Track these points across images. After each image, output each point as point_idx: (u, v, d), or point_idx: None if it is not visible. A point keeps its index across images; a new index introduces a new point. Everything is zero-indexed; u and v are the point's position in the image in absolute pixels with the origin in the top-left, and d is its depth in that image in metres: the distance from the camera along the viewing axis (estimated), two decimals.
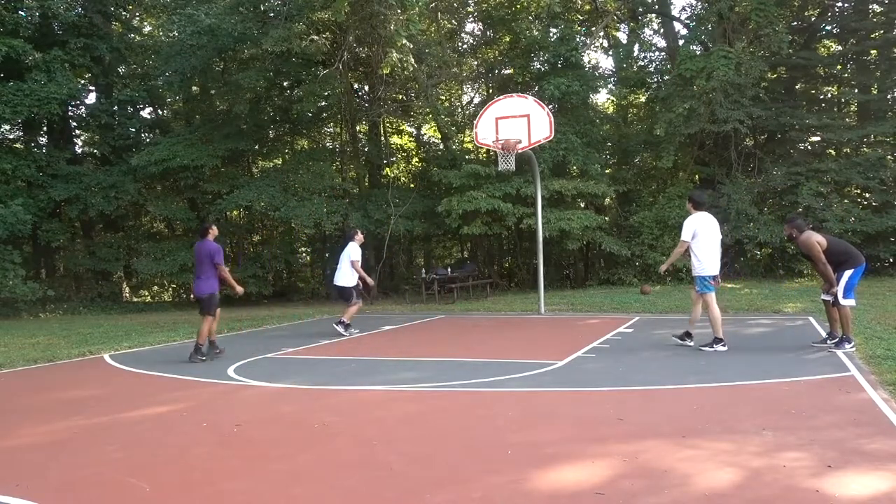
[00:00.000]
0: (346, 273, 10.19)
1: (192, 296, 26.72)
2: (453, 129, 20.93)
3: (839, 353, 7.12)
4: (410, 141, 25.19)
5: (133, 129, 21.75)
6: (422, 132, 24.96)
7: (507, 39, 20.99)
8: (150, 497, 3.56)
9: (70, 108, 20.61)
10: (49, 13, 17.99)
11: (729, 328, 9.73)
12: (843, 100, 21.36)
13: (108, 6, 20.50)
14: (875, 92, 20.05)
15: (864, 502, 3.21)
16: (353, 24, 16.57)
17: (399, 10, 15.65)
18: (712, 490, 3.39)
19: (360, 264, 10.25)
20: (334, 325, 10.32)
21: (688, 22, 22.08)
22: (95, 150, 22.17)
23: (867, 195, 18.69)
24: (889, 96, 20.25)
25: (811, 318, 10.08)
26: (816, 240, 7.24)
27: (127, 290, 24.19)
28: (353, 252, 10.19)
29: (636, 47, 22.21)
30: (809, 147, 20.79)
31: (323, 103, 20.20)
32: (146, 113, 23.41)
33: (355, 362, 7.81)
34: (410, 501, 3.38)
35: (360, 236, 10.58)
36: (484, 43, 22.50)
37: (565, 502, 3.33)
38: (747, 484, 3.45)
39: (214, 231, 8.41)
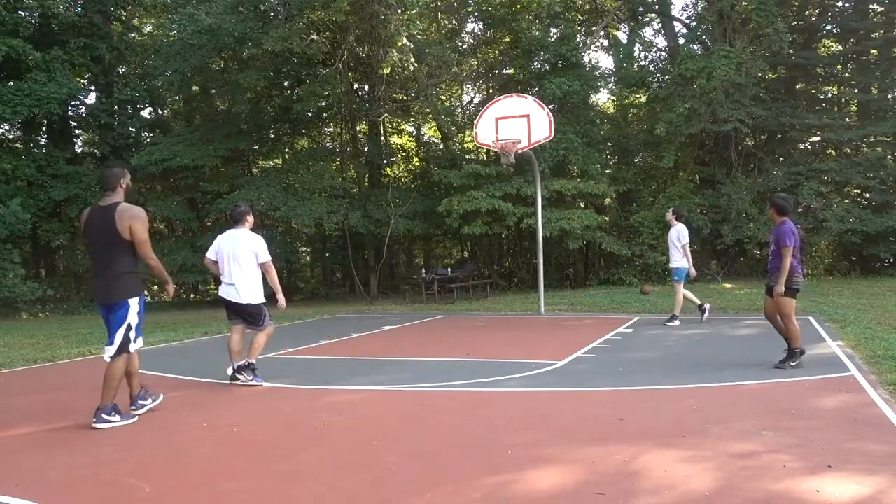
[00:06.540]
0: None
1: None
2: (453, 128, 20.92)
3: (839, 353, 7.18)
4: (410, 141, 25.18)
5: (133, 129, 21.78)
6: (422, 132, 24.97)
7: (508, 39, 20.97)
8: (150, 497, 3.56)
9: (70, 107, 20.61)
10: (49, 13, 17.98)
11: (729, 328, 9.74)
12: (843, 100, 21.35)
13: (108, 6, 20.49)
14: (875, 92, 20.05)
15: (864, 502, 3.21)
16: (353, 24, 16.57)
17: (399, 10, 15.65)
18: (712, 490, 3.39)
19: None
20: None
21: (688, 21, 22.09)
22: (95, 150, 22.16)
23: (867, 195, 18.70)
24: (889, 96, 20.24)
25: (811, 318, 10.07)
26: None
27: None
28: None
29: (636, 47, 22.22)
30: (809, 147, 20.80)
31: (323, 103, 20.19)
32: (146, 113, 23.45)
33: (355, 362, 7.81)
34: (410, 501, 3.38)
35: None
36: (484, 43, 22.50)
37: (565, 502, 3.33)
38: (747, 484, 3.45)
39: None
